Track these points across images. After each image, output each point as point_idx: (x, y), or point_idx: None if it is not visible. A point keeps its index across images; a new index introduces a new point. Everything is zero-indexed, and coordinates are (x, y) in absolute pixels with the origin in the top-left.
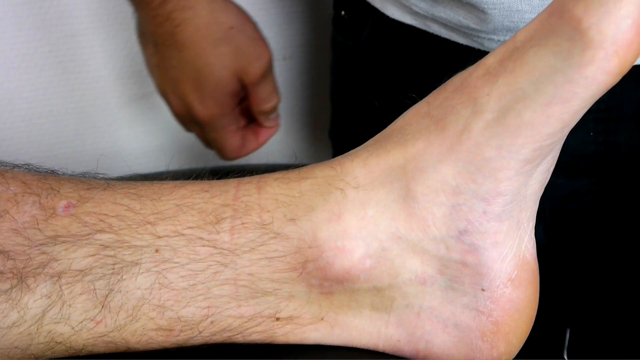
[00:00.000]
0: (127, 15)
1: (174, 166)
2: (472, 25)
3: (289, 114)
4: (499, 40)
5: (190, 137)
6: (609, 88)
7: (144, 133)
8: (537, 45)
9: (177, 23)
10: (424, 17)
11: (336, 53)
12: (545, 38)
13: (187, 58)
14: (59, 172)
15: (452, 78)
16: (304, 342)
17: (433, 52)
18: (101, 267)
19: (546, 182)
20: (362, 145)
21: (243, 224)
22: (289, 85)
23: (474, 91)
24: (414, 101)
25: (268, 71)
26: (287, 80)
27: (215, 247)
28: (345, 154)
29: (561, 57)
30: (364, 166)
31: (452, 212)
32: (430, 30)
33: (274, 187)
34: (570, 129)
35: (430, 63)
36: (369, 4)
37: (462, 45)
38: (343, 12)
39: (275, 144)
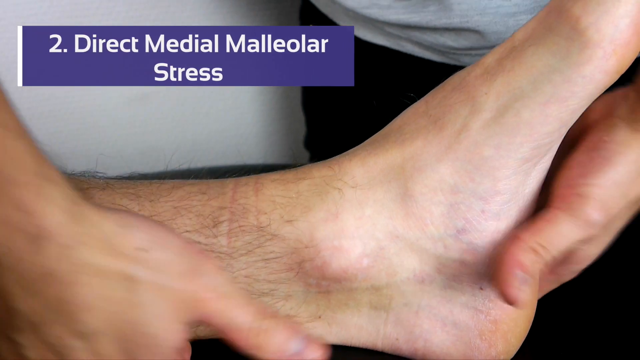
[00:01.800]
0: (127, 15)
1: (173, 166)
2: (450, 43)
3: (288, 113)
4: (477, 54)
5: (189, 138)
6: (607, 87)
7: (144, 133)
8: (535, 44)
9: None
10: (397, 37)
11: None
12: (543, 37)
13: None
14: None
15: (450, 77)
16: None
17: (406, 70)
18: None
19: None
20: (360, 145)
21: (240, 226)
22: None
23: (473, 90)
24: (412, 100)
25: None
26: None
27: (212, 251)
28: (343, 153)
29: (559, 56)
30: (362, 165)
31: (450, 211)
32: (404, 50)
33: (271, 188)
34: (568, 128)
35: (403, 79)
36: (336, 24)
37: (436, 62)
38: (311, 25)
39: (273, 143)
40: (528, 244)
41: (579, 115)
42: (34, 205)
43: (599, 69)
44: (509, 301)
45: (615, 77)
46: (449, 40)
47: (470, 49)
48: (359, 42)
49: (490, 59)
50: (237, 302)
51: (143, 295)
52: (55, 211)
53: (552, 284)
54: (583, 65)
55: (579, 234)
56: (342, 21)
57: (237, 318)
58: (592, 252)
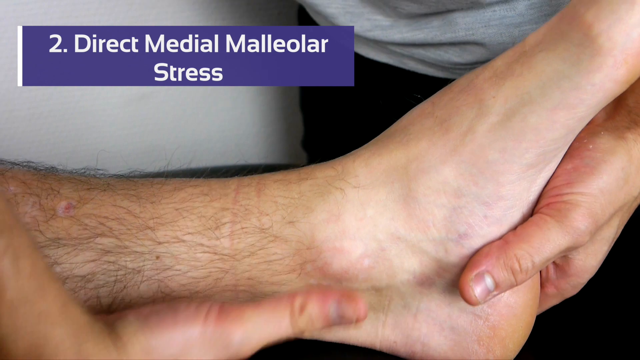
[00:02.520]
0: (127, 15)
1: (173, 166)
2: (454, 59)
3: (288, 113)
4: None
5: (189, 138)
6: (616, 96)
7: (143, 133)
8: (545, 49)
9: None
10: (400, 55)
11: None
12: (554, 43)
13: None
14: (58, 169)
15: (458, 79)
16: (300, 337)
17: (409, 87)
18: (103, 274)
19: None
20: (364, 145)
21: (243, 228)
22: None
23: (480, 93)
24: (418, 101)
25: None
26: None
27: (215, 253)
28: (348, 153)
29: (569, 63)
30: (366, 166)
31: (452, 215)
32: (407, 68)
33: (273, 189)
34: (575, 136)
35: (405, 93)
36: None
37: (440, 78)
38: None
39: (273, 144)
40: (514, 250)
41: (587, 123)
42: None
43: (609, 77)
44: (463, 298)
45: (624, 87)
46: (453, 56)
47: (475, 63)
48: (361, 59)
49: (499, 62)
50: (271, 328)
51: None
52: None
53: (554, 298)
54: (593, 72)
55: (566, 240)
56: None
57: (280, 335)
58: (589, 263)
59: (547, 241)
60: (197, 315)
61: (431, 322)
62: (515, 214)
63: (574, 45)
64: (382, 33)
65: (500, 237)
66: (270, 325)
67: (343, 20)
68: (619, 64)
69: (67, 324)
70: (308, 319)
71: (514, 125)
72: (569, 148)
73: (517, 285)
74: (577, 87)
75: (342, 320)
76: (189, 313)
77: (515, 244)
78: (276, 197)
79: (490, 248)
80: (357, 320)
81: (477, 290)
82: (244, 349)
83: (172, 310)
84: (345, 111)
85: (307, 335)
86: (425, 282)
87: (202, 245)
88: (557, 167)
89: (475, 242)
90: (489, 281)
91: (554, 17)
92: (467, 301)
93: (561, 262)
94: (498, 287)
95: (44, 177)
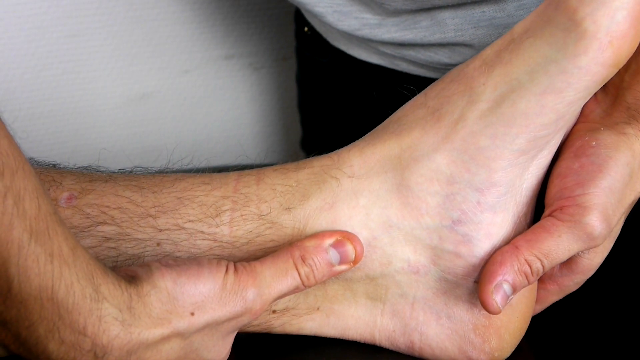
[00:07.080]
0: (127, 15)
1: (173, 166)
2: (444, 60)
3: (287, 114)
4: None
5: (189, 138)
6: (605, 80)
7: (143, 133)
8: (533, 36)
9: None
10: (392, 56)
11: (301, 64)
12: (541, 29)
13: None
14: (60, 166)
15: (450, 70)
16: (300, 332)
17: (402, 86)
18: (103, 259)
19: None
20: (361, 138)
21: (242, 215)
22: (291, 85)
23: (470, 81)
24: (413, 93)
25: None
26: (289, 79)
27: (215, 241)
28: (346, 145)
29: (556, 47)
30: (360, 156)
31: (446, 202)
32: (399, 69)
33: (272, 177)
34: (566, 123)
35: (396, 92)
36: (330, 43)
37: (432, 79)
38: (306, 29)
39: (273, 144)
40: (524, 256)
41: (577, 109)
42: (91, 328)
43: (595, 60)
44: (485, 309)
45: (612, 71)
46: (443, 57)
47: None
48: (353, 61)
49: (489, 51)
50: (278, 281)
51: (195, 343)
52: (110, 328)
53: (555, 295)
54: (579, 56)
55: (578, 245)
56: (337, 41)
57: (289, 287)
58: (596, 261)
59: (557, 247)
60: (219, 270)
61: (428, 310)
62: (508, 201)
63: (559, 30)
64: (370, 32)
65: (494, 224)
66: (277, 279)
67: (331, 20)
68: (604, 46)
69: (79, 265)
70: (311, 268)
71: (504, 111)
72: (572, 147)
73: (529, 285)
74: (564, 71)
75: (343, 262)
76: (212, 268)
77: (526, 250)
78: (275, 184)
79: (502, 256)
80: (357, 257)
81: (497, 299)
82: (256, 304)
83: (196, 263)
84: (342, 112)
85: (314, 284)
86: (420, 270)
87: (202, 232)
88: (564, 168)
89: (469, 229)
90: (507, 287)
91: (541, 4)
92: (490, 311)
93: (568, 260)
94: (515, 291)
95: (46, 170)
